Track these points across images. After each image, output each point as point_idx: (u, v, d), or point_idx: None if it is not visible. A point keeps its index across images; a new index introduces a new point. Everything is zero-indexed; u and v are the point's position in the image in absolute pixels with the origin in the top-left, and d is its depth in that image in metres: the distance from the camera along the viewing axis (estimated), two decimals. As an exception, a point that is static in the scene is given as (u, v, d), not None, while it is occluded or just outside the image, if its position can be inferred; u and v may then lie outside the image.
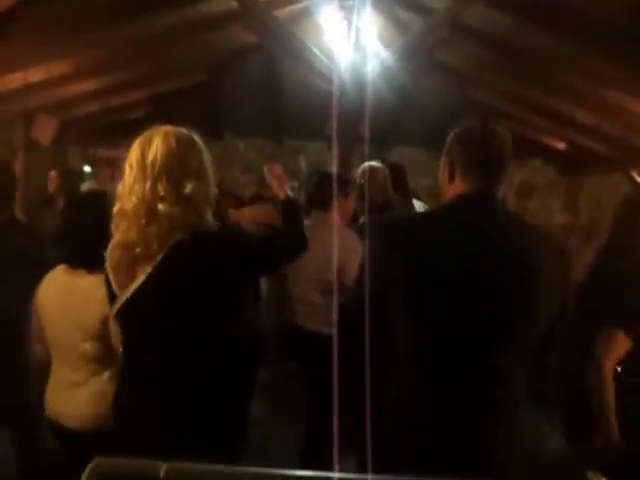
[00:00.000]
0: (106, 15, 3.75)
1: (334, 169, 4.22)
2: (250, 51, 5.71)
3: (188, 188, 1.49)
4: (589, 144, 6.17)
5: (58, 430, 1.86)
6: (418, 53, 4.78)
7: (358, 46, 4.49)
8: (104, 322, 1.77)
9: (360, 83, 4.45)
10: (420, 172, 7.28)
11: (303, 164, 7.26)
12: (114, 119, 6.27)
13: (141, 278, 1.48)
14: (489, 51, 4.90)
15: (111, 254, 1.55)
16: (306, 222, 2.88)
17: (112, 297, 1.55)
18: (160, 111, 6.29)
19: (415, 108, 6.30)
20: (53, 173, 4.43)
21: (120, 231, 1.51)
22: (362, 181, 3.11)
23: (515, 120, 6.55)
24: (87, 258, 1.82)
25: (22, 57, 3.84)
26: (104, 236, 1.56)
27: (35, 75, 4.28)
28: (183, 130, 1.58)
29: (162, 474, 0.63)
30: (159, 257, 1.47)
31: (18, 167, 5.10)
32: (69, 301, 1.84)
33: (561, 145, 6.82)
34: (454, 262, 1.38)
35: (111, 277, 1.54)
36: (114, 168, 6.31)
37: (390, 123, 6.27)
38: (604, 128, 5.47)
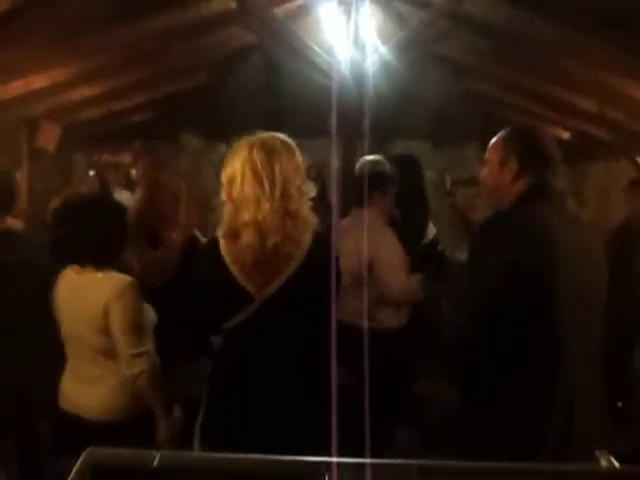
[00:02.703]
0: (106, 19, 3.77)
1: (333, 165, 4.22)
2: (250, 50, 5.72)
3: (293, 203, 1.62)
4: (593, 131, 6.13)
5: (75, 423, 1.92)
6: (418, 46, 4.77)
7: (357, 41, 4.48)
8: (105, 316, 1.87)
9: (360, 78, 4.45)
10: (425, 165, 7.25)
11: (307, 162, 7.25)
12: (117, 123, 6.29)
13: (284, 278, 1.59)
14: (489, 42, 4.87)
15: (236, 258, 1.62)
16: (346, 220, 2.92)
17: (239, 298, 1.61)
18: (163, 114, 6.32)
19: (416, 101, 6.28)
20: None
21: (246, 236, 1.59)
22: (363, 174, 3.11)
23: (517, 110, 6.53)
24: (96, 257, 1.90)
25: (23, 64, 3.86)
26: (111, 237, 1.61)
27: (37, 82, 4.30)
28: (271, 135, 1.72)
29: (155, 463, 0.63)
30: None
31: (23, 175, 5.13)
32: (81, 298, 1.92)
33: (565, 134, 6.79)
34: (561, 251, 1.51)
35: (239, 274, 1.60)
36: (119, 172, 6.33)
37: (392, 117, 6.25)
38: (608, 115, 5.44)
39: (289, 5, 4.84)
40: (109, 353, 1.90)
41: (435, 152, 7.27)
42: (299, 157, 1.69)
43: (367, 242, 2.58)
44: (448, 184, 7.56)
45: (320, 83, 4.77)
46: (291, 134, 7.04)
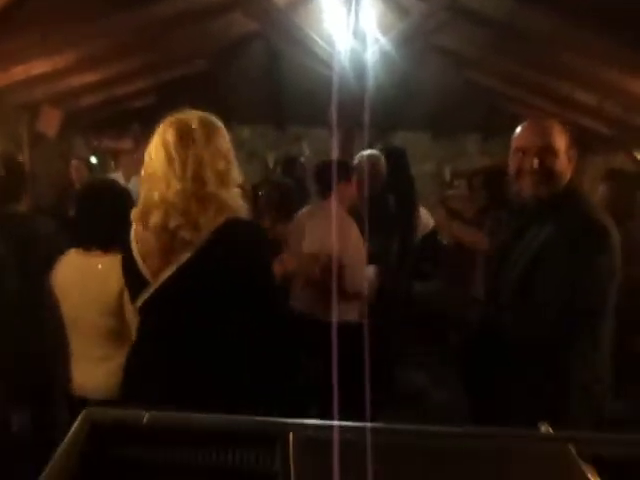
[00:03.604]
0: (107, 4, 3.78)
1: (334, 155, 4.26)
2: (251, 38, 5.72)
3: (219, 172, 1.51)
4: (591, 125, 6.15)
5: (82, 405, 1.96)
6: (418, 37, 4.78)
7: (358, 32, 4.50)
8: (120, 299, 1.88)
9: (360, 69, 4.47)
10: (423, 157, 7.30)
11: (306, 151, 7.28)
12: (118, 109, 6.31)
13: (175, 266, 1.50)
14: (489, 34, 4.88)
15: (142, 240, 1.56)
16: (306, 208, 2.93)
17: (139, 282, 1.57)
18: (163, 100, 6.32)
19: (416, 93, 6.29)
20: (76, 162, 4.56)
21: (154, 216, 1.51)
22: (362, 168, 3.15)
23: (516, 102, 6.54)
24: (103, 240, 1.93)
25: (24, 50, 3.88)
26: (118, 220, 1.62)
27: (38, 67, 4.31)
28: (196, 114, 1.56)
29: (145, 420, 0.68)
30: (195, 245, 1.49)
31: (24, 159, 5.16)
32: (86, 280, 1.95)
33: (565, 127, 6.79)
34: None
35: (140, 263, 1.56)
36: (118, 158, 6.36)
37: (392, 108, 6.27)
38: (606, 109, 5.46)
39: (291, -6, 4.85)
40: (114, 334, 1.94)
41: (434, 143, 7.29)
42: (223, 141, 1.56)
43: (333, 233, 2.59)
44: (447, 175, 7.62)
45: (320, 73, 4.79)
46: (291, 123, 7.08)
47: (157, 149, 1.52)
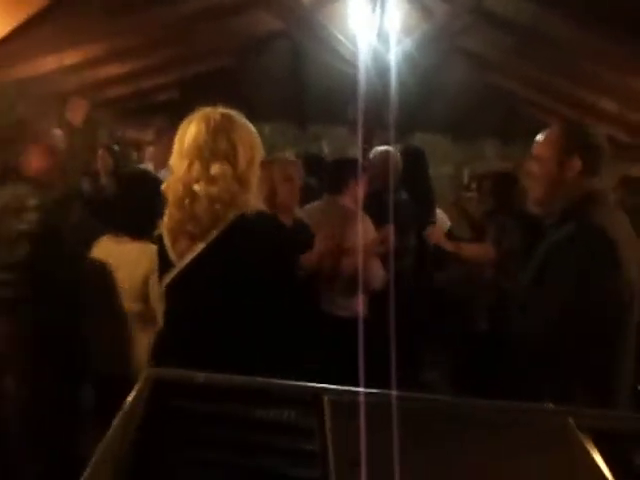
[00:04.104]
0: (138, 0, 3.88)
1: (359, 154, 4.32)
2: (275, 36, 5.79)
3: (239, 169, 1.56)
4: (613, 132, 6.14)
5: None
6: (442, 39, 4.82)
7: (382, 32, 4.55)
8: (146, 284, 1.98)
9: (383, 68, 4.52)
10: (442, 159, 7.33)
11: (325, 149, 7.35)
12: (143, 101, 6.43)
13: (196, 251, 1.58)
14: (512, 38, 4.90)
15: (172, 222, 1.63)
16: (317, 204, 2.97)
17: (166, 264, 1.64)
18: (187, 94, 6.43)
19: (438, 94, 6.32)
20: (101, 151, 4.72)
21: (169, 207, 1.62)
22: (375, 165, 3.21)
23: (537, 107, 6.55)
24: (135, 227, 2.03)
25: (58, 40, 3.98)
26: (150, 208, 1.70)
27: (68, 58, 4.43)
28: (220, 111, 1.61)
29: (202, 380, 0.76)
30: (212, 234, 1.56)
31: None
32: (115, 266, 2.04)
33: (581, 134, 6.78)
34: None
35: (168, 245, 1.63)
36: (140, 149, 6.48)
37: (412, 109, 6.30)
38: (628, 116, 5.45)
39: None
40: (140, 318, 2.04)
41: (454, 146, 7.31)
42: (254, 137, 1.64)
43: (346, 228, 2.64)
44: (465, 178, 7.64)
45: (343, 72, 4.85)
46: (311, 121, 7.14)
47: (192, 135, 1.56)
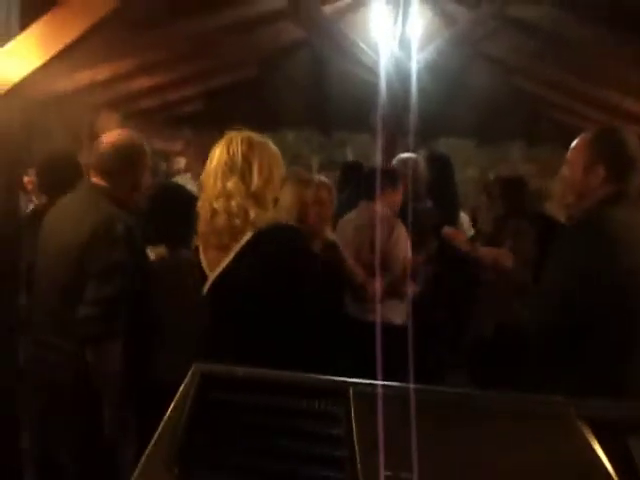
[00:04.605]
0: (164, 15, 4.02)
1: (378, 160, 4.38)
2: (299, 46, 5.91)
3: (253, 186, 1.69)
4: (638, 132, 6.07)
5: None
6: (465, 45, 4.86)
7: (404, 39, 4.61)
8: None
9: (405, 76, 4.58)
10: (466, 162, 7.34)
11: (350, 155, 7.43)
12: (170, 113, 6.61)
13: (225, 262, 1.70)
14: (535, 41, 4.91)
15: (203, 234, 1.78)
16: (354, 213, 3.06)
17: (201, 273, 1.78)
18: (214, 105, 6.58)
19: (462, 99, 6.34)
20: None
21: (199, 222, 1.76)
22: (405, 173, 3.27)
23: (563, 109, 6.51)
24: (169, 238, 2.16)
25: (92, 56, 4.14)
26: (183, 221, 1.81)
27: (101, 73, 4.60)
28: (242, 134, 1.76)
29: (240, 374, 0.85)
30: (236, 247, 1.68)
31: (83, 157, 5.48)
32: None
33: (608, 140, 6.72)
34: None
35: (202, 256, 1.77)
36: (169, 159, 6.66)
37: (437, 114, 6.34)
38: (655, 118, 5.40)
39: (338, 3, 5.00)
40: None
41: (479, 149, 7.31)
42: (276, 159, 1.78)
43: (384, 235, 2.71)
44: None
45: (366, 80, 4.92)
46: (335, 128, 7.22)
47: (220, 155, 1.72)
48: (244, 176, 1.68)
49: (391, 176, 3.04)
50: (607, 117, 6.23)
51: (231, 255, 1.68)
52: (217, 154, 1.72)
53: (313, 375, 0.84)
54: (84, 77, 4.45)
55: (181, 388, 0.82)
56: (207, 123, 6.92)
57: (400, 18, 4.41)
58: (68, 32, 2.33)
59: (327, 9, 4.75)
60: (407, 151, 3.77)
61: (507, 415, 0.80)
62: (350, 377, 0.90)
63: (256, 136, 1.77)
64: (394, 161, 3.61)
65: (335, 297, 2.71)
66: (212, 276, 1.72)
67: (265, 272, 1.65)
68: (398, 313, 2.86)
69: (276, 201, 1.80)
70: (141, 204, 2.13)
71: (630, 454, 0.72)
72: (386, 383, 0.80)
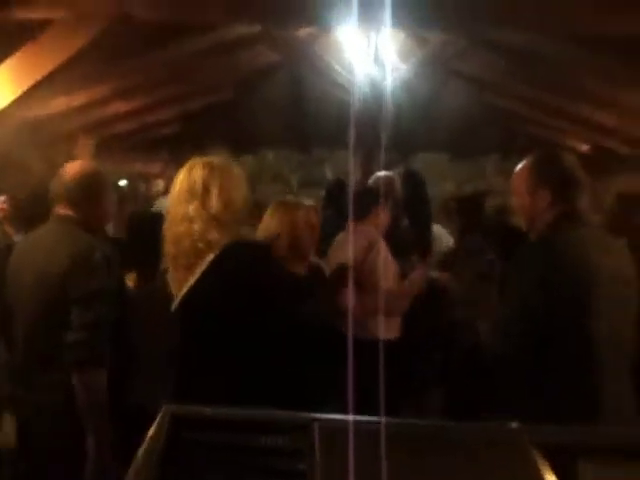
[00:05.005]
0: (140, 43, 4.05)
1: (352, 178, 4.41)
2: (275, 67, 5.98)
3: (213, 210, 1.73)
4: (612, 145, 6.23)
5: None
6: (437, 64, 4.96)
7: (378, 59, 4.69)
8: None
9: (379, 95, 4.65)
10: (442, 177, 7.45)
11: (329, 173, 7.49)
12: (148, 136, 6.62)
13: (190, 282, 1.73)
14: (507, 59, 5.05)
15: (170, 258, 1.81)
16: (342, 236, 3.04)
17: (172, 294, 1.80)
18: (191, 127, 6.62)
19: (437, 116, 6.47)
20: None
21: (166, 245, 1.80)
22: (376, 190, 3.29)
23: (536, 124, 6.67)
24: (144, 265, 2.19)
25: (66, 84, 4.15)
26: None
27: (77, 99, 4.61)
28: (204, 159, 1.80)
29: (208, 413, 0.86)
30: (201, 266, 1.71)
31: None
32: None
33: (584, 147, 6.89)
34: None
35: (172, 278, 1.81)
36: (148, 181, 6.65)
37: (412, 130, 6.45)
38: (625, 129, 5.55)
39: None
40: None
41: (454, 164, 7.43)
42: (238, 182, 1.82)
43: (372, 254, 2.73)
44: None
45: (342, 99, 5.00)
46: (314, 146, 7.24)
47: (182, 182, 1.77)
48: (204, 201, 1.73)
49: (377, 197, 3.05)
50: (581, 130, 6.41)
51: (196, 275, 1.72)
52: (179, 180, 1.77)
53: (279, 412, 0.86)
54: (59, 103, 4.45)
55: (151, 429, 0.83)
56: (185, 145, 6.97)
57: (373, 39, 4.49)
58: (42, 66, 2.34)
59: (301, 32, 4.83)
60: (384, 168, 3.81)
61: (461, 445, 0.82)
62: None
63: (218, 161, 1.82)
64: (371, 180, 3.64)
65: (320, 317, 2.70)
66: (179, 296, 1.76)
67: (226, 290, 1.68)
68: (384, 328, 2.85)
69: (242, 222, 1.85)
70: (119, 234, 2.16)
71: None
72: (350, 417, 0.82)
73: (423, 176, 3.94)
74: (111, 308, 1.89)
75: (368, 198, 2.99)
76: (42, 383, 1.93)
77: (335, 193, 4.23)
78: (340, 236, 3.01)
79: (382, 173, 3.56)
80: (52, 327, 1.89)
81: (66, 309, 1.86)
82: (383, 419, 0.81)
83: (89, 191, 2.01)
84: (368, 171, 4.94)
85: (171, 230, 1.76)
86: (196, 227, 1.70)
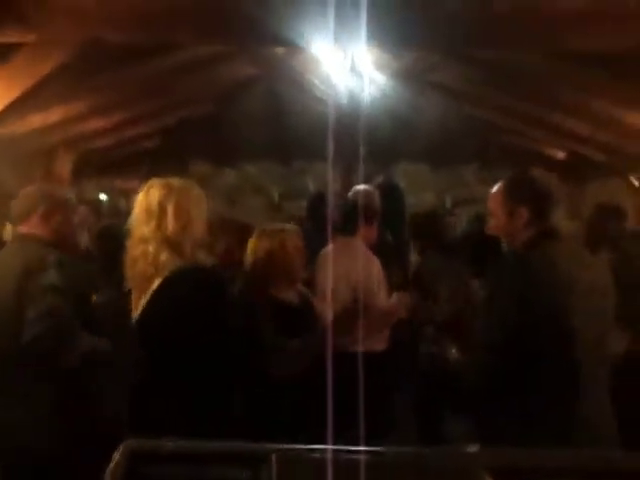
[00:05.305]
0: (116, 58, 4.05)
1: (330, 190, 4.42)
2: (254, 81, 6.01)
3: (168, 232, 1.71)
4: (587, 152, 6.35)
5: None
6: (413, 76, 5.02)
7: (355, 72, 4.73)
8: None
9: (357, 107, 4.70)
10: (423, 187, 7.54)
11: (311, 184, 7.52)
12: (128, 151, 6.60)
13: (141, 306, 1.73)
14: (482, 70, 5.13)
15: (130, 282, 1.81)
16: (329, 247, 3.03)
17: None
18: (172, 141, 6.62)
19: (415, 127, 6.53)
20: (83, 208, 4.71)
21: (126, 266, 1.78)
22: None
23: (513, 133, 6.77)
24: (112, 279, 2.16)
25: (43, 99, 4.13)
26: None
27: (54, 115, 4.58)
28: (162, 180, 1.78)
29: (169, 447, 0.86)
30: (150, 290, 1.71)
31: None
32: None
33: (561, 154, 7.01)
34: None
35: (133, 300, 1.80)
36: (129, 197, 6.61)
37: (391, 142, 6.51)
38: (599, 137, 5.66)
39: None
40: None
41: (434, 174, 7.51)
42: (196, 202, 1.81)
43: (359, 270, 2.72)
44: (448, 204, 7.83)
45: (320, 112, 5.03)
46: (296, 157, 7.26)
47: (141, 203, 1.76)
48: (160, 222, 1.71)
49: (368, 210, 3.05)
50: (557, 138, 6.52)
51: (146, 299, 1.71)
52: (139, 201, 1.76)
53: (238, 443, 0.86)
54: (36, 120, 4.42)
55: (111, 465, 0.83)
56: (166, 159, 6.95)
57: (349, 54, 4.54)
58: (14, 89, 2.34)
59: (279, 48, 4.86)
60: (364, 180, 3.82)
61: (417, 470, 0.83)
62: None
63: (177, 181, 1.79)
64: (350, 194, 3.65)
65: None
66: (135, 317, 1.76)
67: (173, 315, 1.66)
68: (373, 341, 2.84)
69: (199, 243, 1.82)
70: (81, 246, 2.21)
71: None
72: (307, 447, 0.82)
73: (400, 188, 3.97)
74: (68, 305, 1.90)
75: (357, 213, 2.99)
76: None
77: (317, 207, 4.22)
78: (328, 250, 2.98)
79: (361, 187, 3.58)
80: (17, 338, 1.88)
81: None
82: (331, 448, 0.81)
83: (44, 211, 2.09)
84: (348, 183, 4.97)
85: (129, 252, 1.76)
86: (150, 249, 1.70)
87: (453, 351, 1.97)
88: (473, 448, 0.91)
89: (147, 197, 1.73)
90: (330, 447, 0.82)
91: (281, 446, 0.85)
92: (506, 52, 4.14)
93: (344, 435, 1.74)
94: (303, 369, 1.91)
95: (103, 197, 7.07)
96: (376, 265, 2.89)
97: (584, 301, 1.67)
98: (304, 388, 1.86)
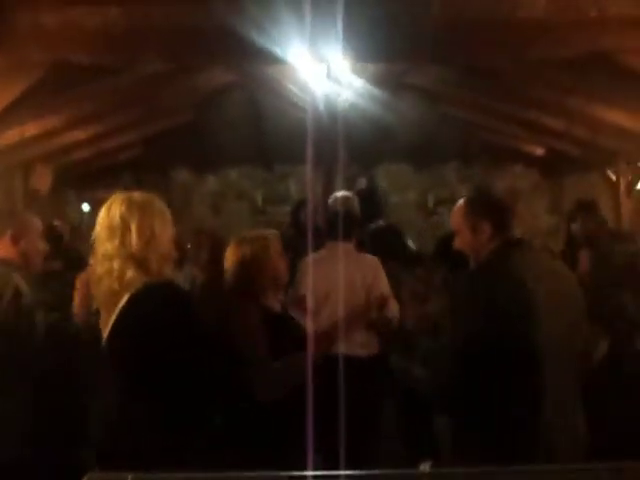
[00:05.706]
0: (91, 71, 4.03)
1: (309, 193, 4.42)
2: (232, 87, 6.02)
3: (132, 248, 1.65)
4: (564, 148, 6.45)
5: None
6: (389, 79, 5.06)
7: (331, 78, 4.76)
8: None
9: (335, 111, 4.73)
10: (406, 187, 7.59)
11: (293, 188, 7.53)
12: (108, 161, 6.57)
13: (109, 325, 1.68)
14: (457, 72, 5.19)
15: (96, 301, 1.76)
16: (321, 252, 2.95)
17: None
18: (153, 150, 6.60)
19: (396, 129, 6.59)
20: (58, 223, 4.65)
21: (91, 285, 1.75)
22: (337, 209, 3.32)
23: (491, 131, 6.86)
24: None
25: (17, 116, 4.10)
26: None
27: (30, 129, 4.55)
28: (125, 195, 1.71)
29: None
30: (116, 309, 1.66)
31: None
32: None
33: (539, 150, 7.11)
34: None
35: (102, 319, 1.73)
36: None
37: (372, 144, 6.56)
38: (574, 133, 5.75)
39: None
40: None
41: (416, 174, 7.56)
42: (159, 216, 1.73)
43: (364, 273, 2.77)
44: (431, 203, 7.89)
45: (299, 118, 5.05)
46: (278, 162, 7.25)
47: (103, 219, 1.68)
48: (124, 238, 1.66)
49: (354, 217, 3.07)
50: (534, 135, 6.61)
51: (114, 318, 1.67)
52: (101, 217, 1.69)
53: (199, 474, 0.87)
54: (12, 135, 4.39)
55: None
56: (147, 168, 6.93)
57: (326, 61, 4.55)
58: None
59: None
60: (347, 181, 3.83)
61: None
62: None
63: (138, 196, 1.72)
64: (330, 200, 3.67)
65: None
66: (104, 336, 1.71)
67: (139, 333, 1.63)
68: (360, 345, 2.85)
69: (166, 259, 1.74)
70: (39, 266, 2.25)
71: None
72: (284, 473, 0.84)
73: (380, 194, 3.98)
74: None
75: (350, 220, 3.00)
76: None
77: (300, 212, 4.23)
78: (322, 254, 2.95)
79: (340, 193, 3.60)
80: None
81: None
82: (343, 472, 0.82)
83: (12, 235, 2.16)
84: (330, 187, 5.00)
85: (94, 270, 1.70)
86: (115, 266, 1.64)
87: (417, 366, 1.98)
88: (425, 466, 0.93)
89: (109, 213, 1.66)
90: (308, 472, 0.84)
91: (251, 474, 0.86)
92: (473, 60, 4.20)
93: (328, 444, 1.76)
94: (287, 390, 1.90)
95: (86, 207, 7.02)
96: (374, 262, 2.90)
97: (549, 310, 1.68)
98: (287, 404, 1.86)
